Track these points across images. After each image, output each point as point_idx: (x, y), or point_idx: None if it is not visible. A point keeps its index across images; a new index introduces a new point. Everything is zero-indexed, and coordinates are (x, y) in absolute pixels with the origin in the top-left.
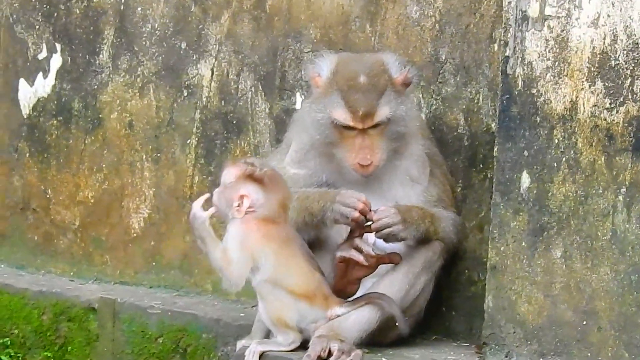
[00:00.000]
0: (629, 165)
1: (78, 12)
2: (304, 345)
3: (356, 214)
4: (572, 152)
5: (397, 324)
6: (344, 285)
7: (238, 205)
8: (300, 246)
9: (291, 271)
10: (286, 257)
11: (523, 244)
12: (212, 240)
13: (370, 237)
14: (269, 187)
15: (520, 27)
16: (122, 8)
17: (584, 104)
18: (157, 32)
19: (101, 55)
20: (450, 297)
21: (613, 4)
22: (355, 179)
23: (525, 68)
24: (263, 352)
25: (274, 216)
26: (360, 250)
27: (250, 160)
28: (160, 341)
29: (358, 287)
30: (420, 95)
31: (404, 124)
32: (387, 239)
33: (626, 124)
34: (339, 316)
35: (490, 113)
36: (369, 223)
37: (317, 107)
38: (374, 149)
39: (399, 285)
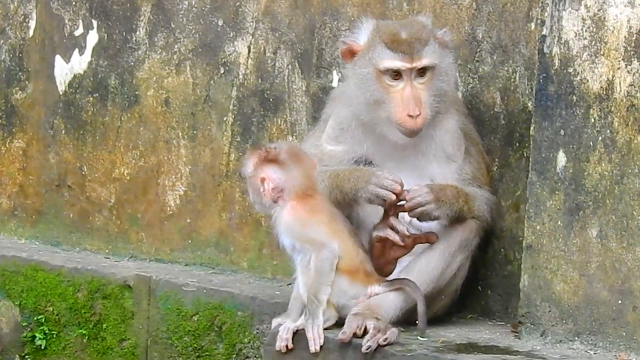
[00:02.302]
0: None
1: None
2: (338, 324)
3: (393, 197)
4: (608, 131)
5: (417, 321)
6: (381, 265)
7: (264, 190)
8: (344, 221)
9: (339, 247)
10: (335, 231)
11: (559, 223)
12: (304, 284)
13: (407, 216)
14: (286, 162)
15: (557, 6)
16: None
17: (620, 84)
18: (194, 9)
19: (138, 32)
20: (487, 276)
21: None
22: (393, 153)
23: (562, 47)
24: (297, 330)
25: (305, 189)
26: (396, 230)
27: (261, 145)
28: (196, 319)
29: (394, 267)
30: (457, 74)
31: (447, 79)
32: (420, 218)
33: None
34: (377, 294)
35: (527, 92)
36: (402, 202)
37: (361, 63)
38: (422, 99)
39: (435, 264)
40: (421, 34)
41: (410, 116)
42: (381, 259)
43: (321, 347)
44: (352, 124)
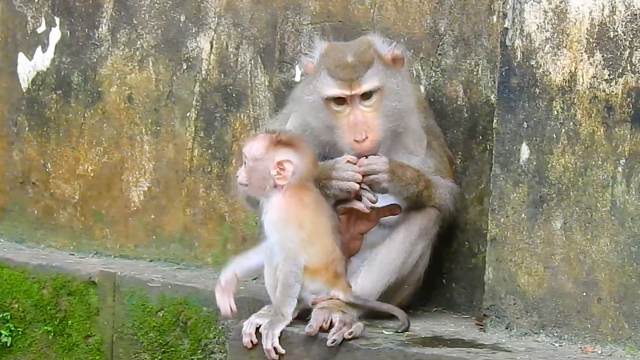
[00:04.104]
0: (628, 136)
1: None
2: (303, 317)
3: (356, 186)
4: (571, 123)
5: (400, 321)
6: (347, 241)
7: (278, 173)
8: (330, 217)
9: (316, 245)
10: (318, 225)
11: (523, 215)
12: (268, 279)
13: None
14: (299, 148)
15: None
16: None
17: (583, 76)
18: (156, 5)
19: (100, 29)
20: (451, 269)
21: None
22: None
23: (524, 40)
24: (260, 325)
25: (310, 176)
26: (360, 199)
27: (270, 129)
28: (161, 315)
29: (360, 244)
30: (420, 67)
31: (398, 98)
32: (370, 186)
33: (625, 95)
34: (339, 299)
35: (490, 85)
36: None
37: (309, 90)
38: (369, 124)
39: (396, 254)
40: (364, 56)
41: (357, 141)
42: (347, 234)
43: (281, 355)
44: (310, 134)
